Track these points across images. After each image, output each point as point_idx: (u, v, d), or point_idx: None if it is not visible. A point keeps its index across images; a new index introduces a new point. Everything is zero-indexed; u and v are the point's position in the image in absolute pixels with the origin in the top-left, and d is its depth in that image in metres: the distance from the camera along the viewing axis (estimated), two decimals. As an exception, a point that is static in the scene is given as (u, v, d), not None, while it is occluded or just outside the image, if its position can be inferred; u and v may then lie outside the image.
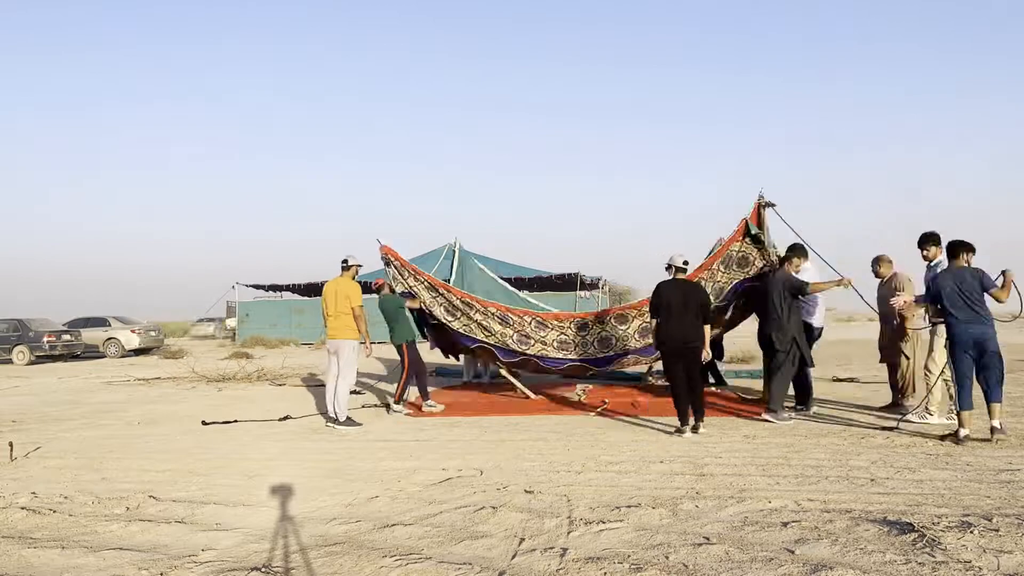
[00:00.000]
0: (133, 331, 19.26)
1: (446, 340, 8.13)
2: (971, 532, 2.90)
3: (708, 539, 2.96)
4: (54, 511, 3.74)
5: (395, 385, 7.65)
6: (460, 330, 7.59)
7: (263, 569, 2.81)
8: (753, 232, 6.78)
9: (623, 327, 7.36)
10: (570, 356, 7.55)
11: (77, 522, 3.54)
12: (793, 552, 2.78)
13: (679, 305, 5.62)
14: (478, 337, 7.59)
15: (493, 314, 7.58)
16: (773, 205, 6.84)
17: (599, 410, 6.95)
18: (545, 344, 7.54)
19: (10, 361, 17.08)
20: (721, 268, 6.98)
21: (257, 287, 27.32)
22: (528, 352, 7.54)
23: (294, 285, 27.45)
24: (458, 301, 7.59)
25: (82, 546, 3.15)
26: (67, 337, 18.00)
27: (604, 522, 3.24)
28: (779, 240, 6.92)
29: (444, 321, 7.58)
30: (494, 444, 5.38)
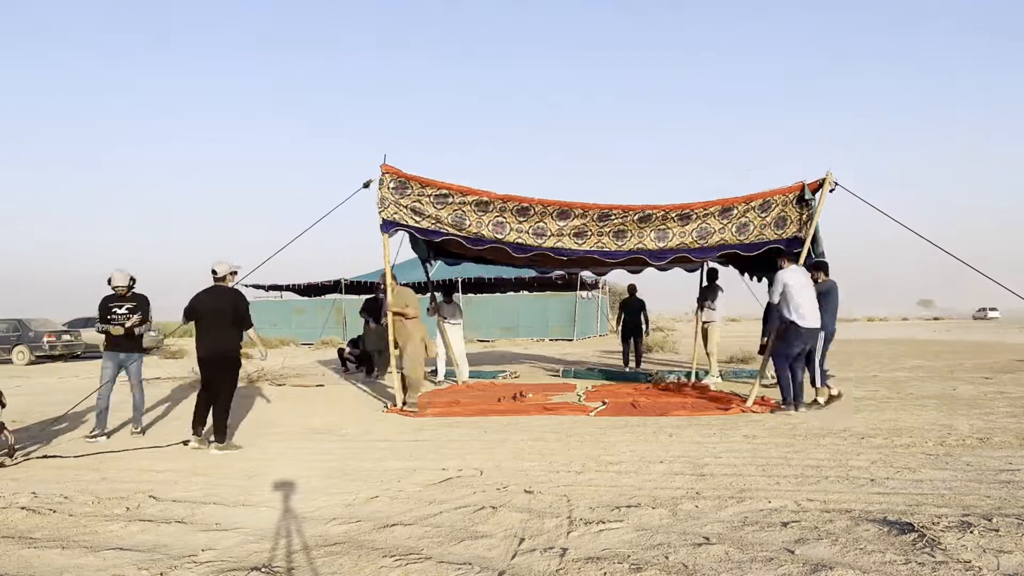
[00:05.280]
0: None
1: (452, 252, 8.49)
2: (971, 532, 2.90)
3: (708, 539, 2.96)
4: (54, 511, 3.74)
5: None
6: (469, 235, 7.26)
7: (263, 569, 2.81)
8: (807, 197, 6.63)
9: (644, 226, 7.03)
10: (584, 247, 7.17)
11: (77, 522, 3.53)
12: (793, 552, 2.78)
13: None
14: (490, 238, 7.22)
15: (511, 208, 7.17)
16: (833, 189, 6.65)
17: (598, 410, 6.96)
18: (562, 236, 7.16)
19: (10, 361, 17.07)
20: (757, 209, 6.82)
21: (257, 287, 27.33)
22: (544, 246, 7.18)
23: (294, 285, 27.48)
24: (471, 202, 7.19)
25: (82, 546, 3.15)
26: (67, 337, 17.97)
27: (604, 522, 3.24)
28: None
29: (453, 234, 7.27)
30: (494, 444, 5.38)
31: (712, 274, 9.74)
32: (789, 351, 6.53)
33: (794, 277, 6.47)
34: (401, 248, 9.48)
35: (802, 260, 6.72)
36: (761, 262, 7.92)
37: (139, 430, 6.34)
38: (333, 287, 26.35)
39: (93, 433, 6.04)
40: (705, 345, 9.86)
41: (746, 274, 9.45)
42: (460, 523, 3.33)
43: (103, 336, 6.24)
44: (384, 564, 2.81)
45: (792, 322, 6.43)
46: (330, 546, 3.07)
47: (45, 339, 17.13)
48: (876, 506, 3.39)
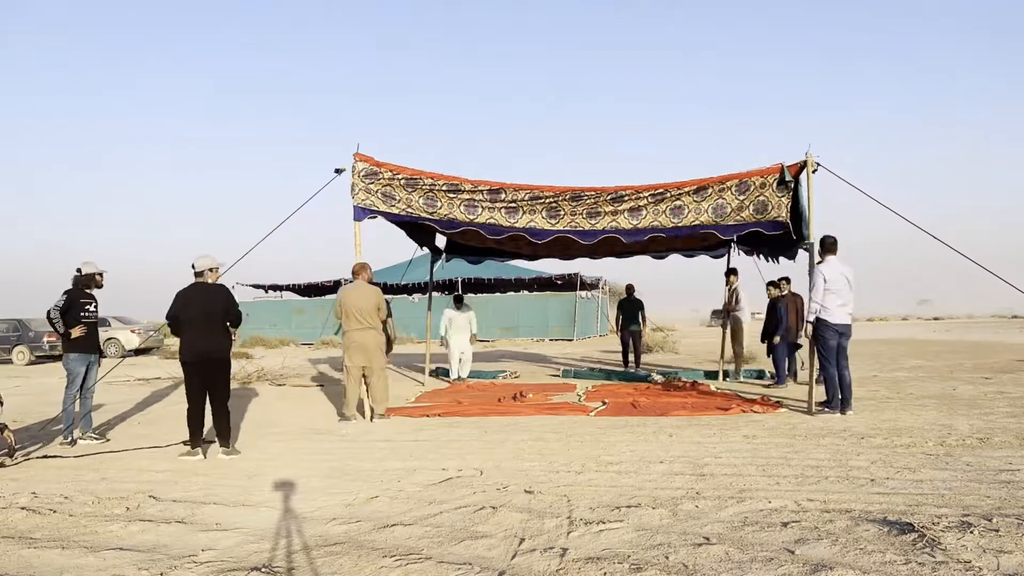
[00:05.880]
0: (133, 331, 19.24)
1: (424, 234, 8.61)
2: (971, 532, 2.90)
3: (708, 539, 2.96)
4: (54, 511, 3.74)
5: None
6: (441, 218, 7.22)
7: (263, 569, 2.81)
8: (787, 179, 6.59)
9: (617, 204, 7.05)
10: (557, 227, 7.18)
11: (77, 522, 3.54)
12: (793, 552, 2.78)
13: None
14: (462, 220, 7.20)
15: (483, 191, 7.14)
16: (816, 170, 6.59)
17: (598, 410, 6.96)
18: (534, 213, 7.16)
19: (10, 361, 17.08)
20: (734, 190, 6.81)
21: (257, 287, 27.35)
22: (517, 226, 7.17)
23: (294, 285, 27.50)
24: (442, 186, 7.13)
25: (82, 546, 3.15)
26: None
27: (604, 522, 3.24)
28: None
29: (424, 216, 7.21)
30: (494, 444, 5.38)
31: (731, 273, 9.83)
32: (825, 348, 6.36)
33: (831, 271, 6.32)
34: (411, 247, 9.51)
35: (812, 238, 6.65)
36: (751, 239, 8.10)
37: (79, 438, 5.88)
38: (333, 287, 26.37)
39: (70, 439, 5.80)
40: (734, 345, 9.92)
41: (734, 248, 9.54)
42: (460, 523, 3.33)
43: (57, 334, 5.80)
44: (384, 564, 2.81)
45: (819, 318, 6.32)
46: (330, 546, 3.07)
47: (45, 339, 17.14)
48: (876, 506, 3.39)
